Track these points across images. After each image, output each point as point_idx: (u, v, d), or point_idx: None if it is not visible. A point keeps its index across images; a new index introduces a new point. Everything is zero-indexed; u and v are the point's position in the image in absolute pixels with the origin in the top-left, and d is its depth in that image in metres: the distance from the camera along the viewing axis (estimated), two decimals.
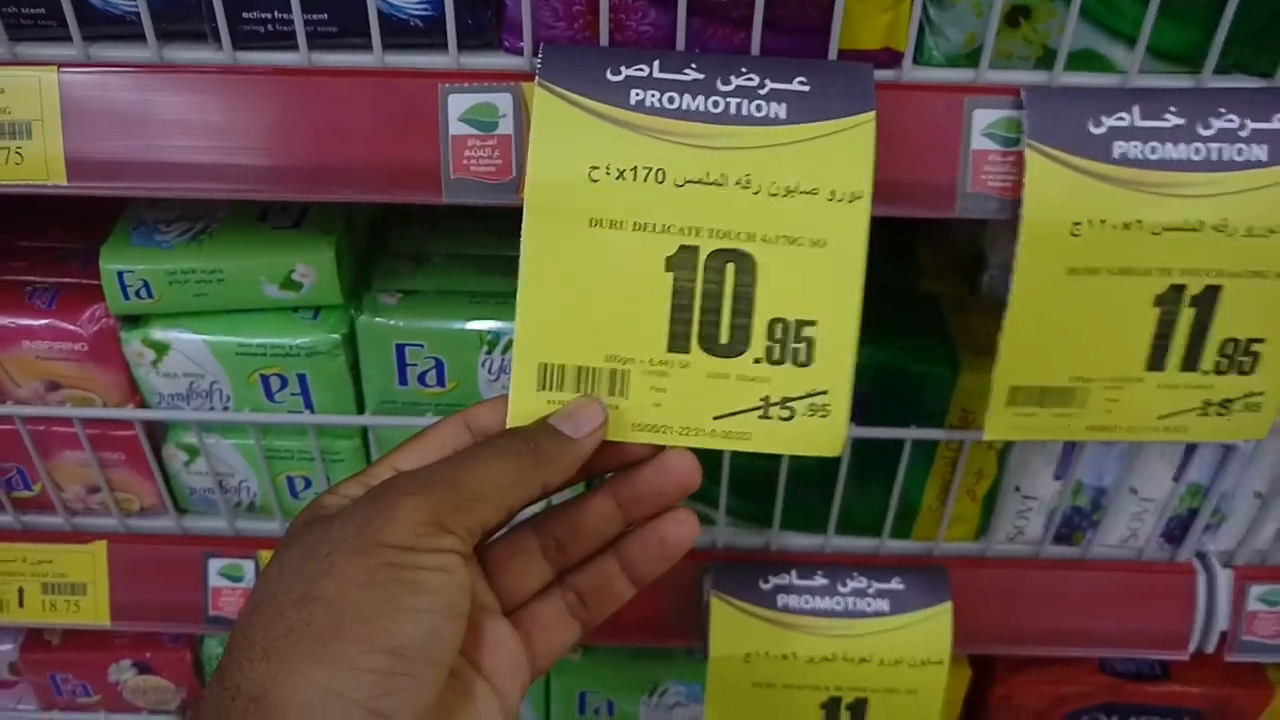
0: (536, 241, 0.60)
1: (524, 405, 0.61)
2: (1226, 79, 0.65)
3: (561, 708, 1.01)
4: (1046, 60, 0.64)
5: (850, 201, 0.60)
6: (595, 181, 0.60)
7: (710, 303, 0.62)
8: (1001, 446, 0.83)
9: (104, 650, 1.03)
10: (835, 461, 0.82)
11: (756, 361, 0.62)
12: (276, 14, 0.63)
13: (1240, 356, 0.66)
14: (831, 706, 0.87)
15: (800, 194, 0.60)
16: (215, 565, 0.88)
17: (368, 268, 0.83)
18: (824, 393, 0.62)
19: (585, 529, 0.59)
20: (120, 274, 0.75)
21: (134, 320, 0.78)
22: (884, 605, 0.85)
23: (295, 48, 0.64)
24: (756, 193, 0.60)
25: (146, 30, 0.63)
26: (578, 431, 0.56)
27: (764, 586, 0.86)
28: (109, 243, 0.76)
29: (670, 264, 0.62)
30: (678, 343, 0.62)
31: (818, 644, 0.83)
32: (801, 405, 0.62)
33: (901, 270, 0.88)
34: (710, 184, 0.60)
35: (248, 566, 0.88)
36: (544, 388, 0.62)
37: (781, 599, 0.85)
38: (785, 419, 0.62)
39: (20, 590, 0.88)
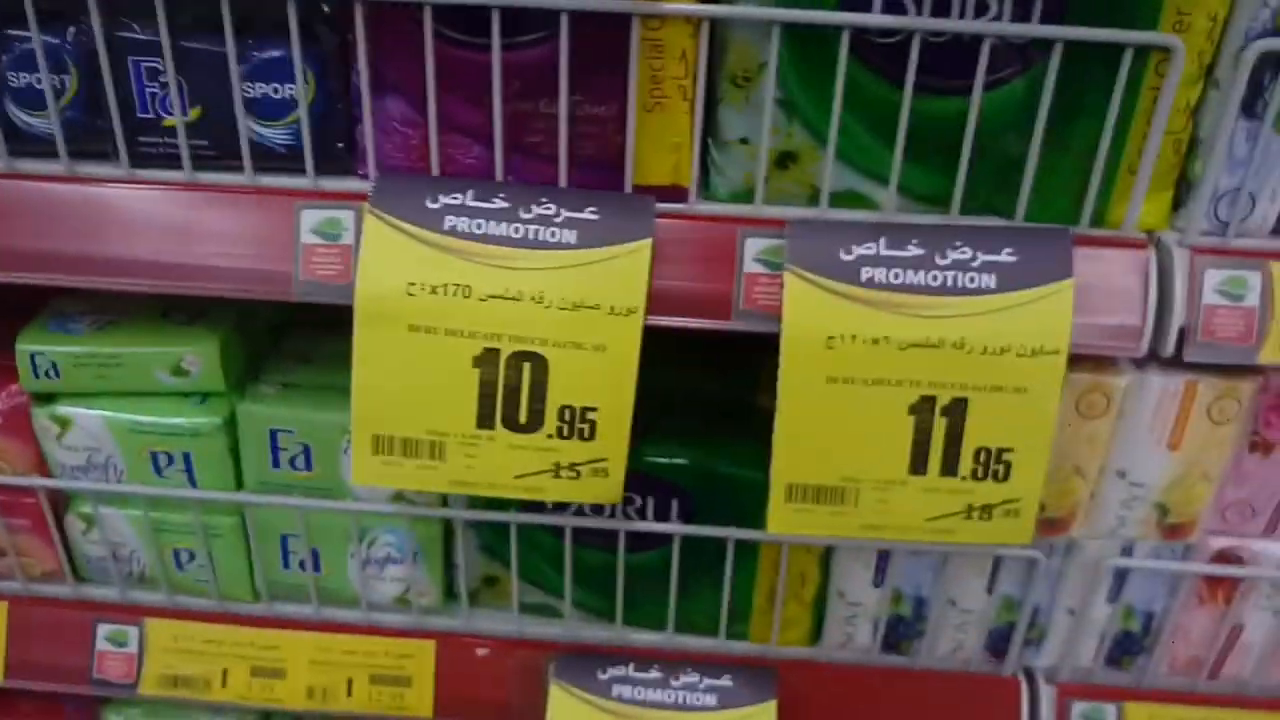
0: (365, 341, 0.72)
1: (363, 467, 0.72)
2: (977, 218, 0.75)
3: None
4: (815, 198, 0.75)
5: (627, 315, 0.71)
6: (412, 295, 0.71)
7: (510, 393, 0.72)
8: (821, 552, 0.91)
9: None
10: (668, 563, 0.89)
11: (549, 436, 0.72)
12: (166, 139, 0.76)
13: (994, 465, 0.74)
14: None
15: (585, 308, 0.71)
16: (103, 630, 0.96)
17: (260, 363, 0.94)
18: (604, 460, 0.72)
19: None
20: (33, 355, 0.86)
21: (44, 398, 0.89)
22: (711, 700, 0.91)
23: (182, 167, 0.76)
24: (548, 307, 0.71)
25: (60, 149, 0.76)
26: None
27: (601, 677, 0.92)
28: (27, 328, 0.87)
29: (476, 362, 0.73)
30: (484, 421, 0.73)
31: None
32: (586, 469, 0.72)
33: (741, 386, 0.97)
34: (509, 299, 0.71)
35: (133, 633, 0.96)
36: (377, 453, 0.73)
37: (616, 689, 0.92)
38: (573, 479, 0.72)
39: None
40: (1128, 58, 0.67)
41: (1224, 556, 0.87)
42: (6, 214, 0.77)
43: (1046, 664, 0.95)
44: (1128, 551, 0.88)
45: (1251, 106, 0.71)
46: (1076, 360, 0.78)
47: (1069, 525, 0.86)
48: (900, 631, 0.94)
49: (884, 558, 0.90)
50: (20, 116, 0.76)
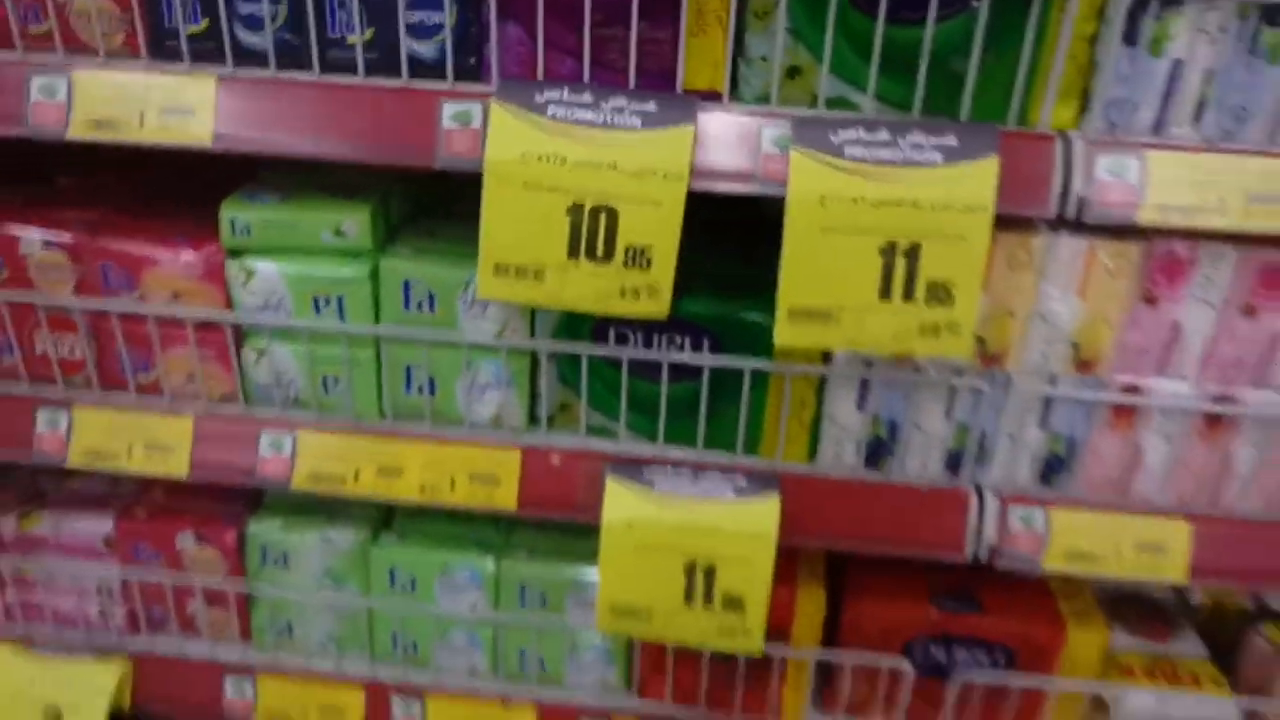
0: (491, 194, 1.02)
1: (487, 284, 1.02)
2: (933, 117, 1.04)
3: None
4: (815, 101, 1.05)
5: (676, 179, 1.01)
6: (524, 162, 1.02)
7: (591, 234, 1.02)
8: (817, 381, 1.20)
9: (174, 523, 1.41)
10: (699, 394, 1.19)
11: (619, 267, 1.02)
12: (347, 53, 1.06)
13: (940, 293, 1.03)
14: (690, 569, 1.21)
15: (646, 173, 1.01)
16: (266, 438, 1.27)
17: (400, 233, 1.25)
18: (657, 285, 1.02)
19: None
20: (233, 219, 1.17)
21: (236, 253, 1.20)
22: (730, 494, 1.20)
23: (357, 72, 1.07)
24: (620, 172, 1.01)
25: (270, 59, 1.07)
26: None
27: (646, 476, 1.22)
28: (230, 198, 1.19)
29: (568, 211, 1.02)
30: (573, 253, 1.03)
31: (680, 513, 1.18)
32: (644, 291, 1.02)
33: (758, 264, 1.26)
34: (592, 165, 1.01)
35: (288, 441, 1.27)
36: (497, 275, 1.03)
37: (659, 481, 1.21)
38: (634, 299, 1.02)
39: (129, 447, 1.28)
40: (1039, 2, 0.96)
41: (1127, 389, 1.15)
42: (235, 108, 1.08)
43: (992, 480, 1.23)
44: (1054, 383, 1.16)
45: (1131, 36, 0.99)
46: (1006, 223, 1.07)
47: (1004, 359, 1.14)
48: (878, 451, 1.23)
49: (865, 386, 1.19)
50: (244, 36, 1.07)
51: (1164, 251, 1.07)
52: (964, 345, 1.05)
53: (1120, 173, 1.01)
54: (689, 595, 1.21)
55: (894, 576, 1.41)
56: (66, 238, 1.23)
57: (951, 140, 1.00)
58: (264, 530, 1.41)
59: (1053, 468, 1.21)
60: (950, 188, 0.99)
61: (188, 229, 1.21)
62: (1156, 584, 1.55)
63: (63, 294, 1.24)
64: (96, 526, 1.45)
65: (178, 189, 1.36)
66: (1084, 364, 1.14)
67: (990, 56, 1.00)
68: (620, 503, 1.19)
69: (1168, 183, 1.01)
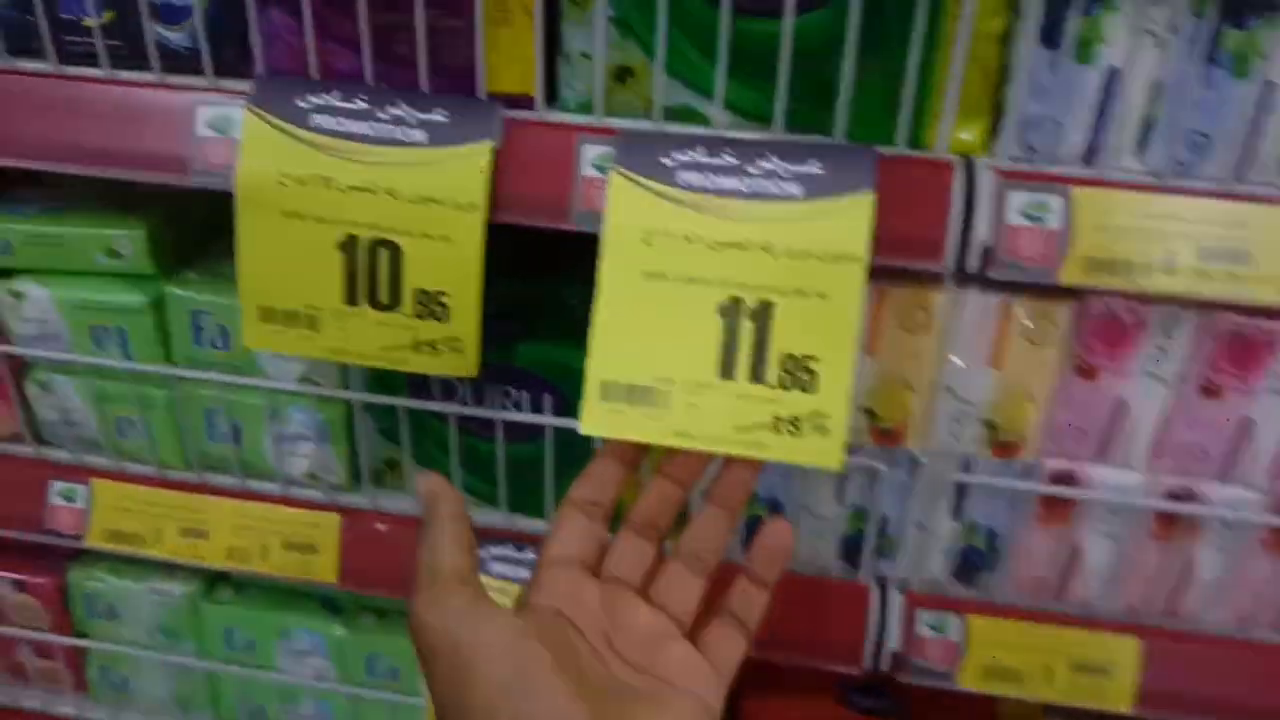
0: (245, 225, 0.82)
1: (253, 333, 0.84)
2: (799, 134, 0.81)
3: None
4: (652, 112, 0.82)
5: (469, 209, 0.80)
6: (283, 185, 0.81)
7: (371, 275, 0.82)
8: None
9: None
10: (544, 454, 0.98)
11: (408, 316, 0.82)
12: (87, 39, 0.87)
13: (800, 372, 0.80)
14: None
15: (432, 202, 0.80)
16: (57, 488, 1.09)
17: (194, 256, 1.05)
18: (458, 339, 0.81)
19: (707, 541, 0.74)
20: None
21: (3, 274, 1.02)
22: None
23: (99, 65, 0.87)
24: (399, 199, 0.81)
25: None
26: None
27: (487, 555, 1.02)
28: None
29: (340, 246, 0.81)
30: (351, 299, 0.83)
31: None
32: (442, 345, 0.82)
33: None
34: (365, 190, 0.81)
35: (81, 491, 1.09)
36: (264, 321, 0.83)
37: (495, 566, 1.01)
38: (431, 354, 0.81)
39: None
40: None
41: (1059, 478, 0.92)
42: None
43: (898, 574, 1.01)
44: (968, 468, 0.93)
45: (1051, 36, 0.75)
46: (898, 276, 0.84)
47: (903, 437, 0.92)
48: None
49: None
50: None
51: (1102, 313, 0.84)
52: (833, 450, 0.79)
53: (1039, 215, 0.77)
54: None
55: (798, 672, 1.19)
56: None
57: (815, 168, 0.77)
58: (85, 578, 1.24)
59: (972, 564, 0.99)
60: (810, 229, 0.77)
61: None
62: None
63: None
64: None
65: None
66: (1004, 446, 0.91)
67: (870, 58, 0.77)
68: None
69: (1101, 230, 0.77)
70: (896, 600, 0.99)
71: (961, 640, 0.99)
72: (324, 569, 1.07)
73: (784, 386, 0.79)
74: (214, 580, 1.25)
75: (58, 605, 1.26)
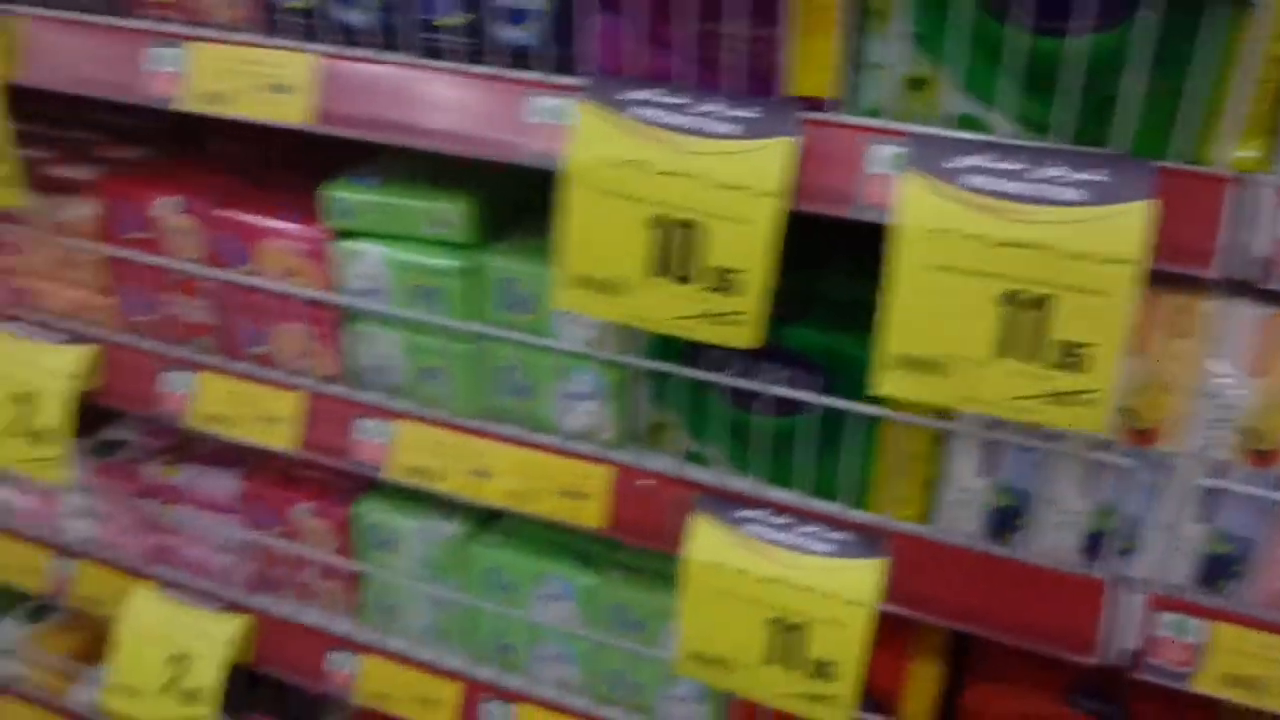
0: (570, 200, 0.96)
1: (564, 297, 0.99)
2: (1079, 146, 0.89)
3: None
4: (938, 118, 0.92)
5: (768, 196, 0.91)
6: (605, 167, 0.95)
7: (675, 251, 0.95)
8: (934, 436, 1.07)
9: (293, 494, 1.46)
10: (803, 431, 1.09)
11: (703, 289, 0.94)
12: (440, 35, 1.03)
13: (1071, 358, 0.89)
14: (776, 626, 1.12)
15: (736, 188, 0.92)
16: (364, 425, 1.28)
17: (510, 228, 1.21)
18: (744, 313, 0.93)
19: None
20: (337, 199, 1.18)
21: (343, 234, 1.21)
22: (828, 549, 1.10)
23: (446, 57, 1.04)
24: (706, 185, 0.93)
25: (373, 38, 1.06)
26: None
27: (737, 515, 1.14)
28: (335, 180, 1.19)
29: (648, 224, 0.95)
30: (654, 271, 0.96)
31: (769, 564, 1.09)
32: (730, 317, 0.94)
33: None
34: (677, 175, 0.93)
35: (385, 428, 1.27)
36: (574, 288, 0.98)
37: (748, 526, 1.13)
38: (718, 324, 0.94)
39: (243, 415, 1.32)
40: (1216, 11, 0.79)
41: None
42: (338, 89, 1.08)
43: (1139, 574, 1.06)
44: (1222, 474, 0.98)
45: None
46: (1167, 281, 0.90)
47: (1157, 437, 0.97)
48: (1004, 521, 1.09)
49: (991, 449, 1.05)
50: (344, 16, 1.07)
51: None
52: (1098, 419, 0.90)
53: None
54: (772, 653, 1.13)
55: (1027, 658, 1.25)
56: (195, 205, 1.28)
57: (1098, 175, 0.85)
58: (370, 511, 1.43)
59: (1217, 570, 1.03)
60: (1090, 233, 0.84)
61: (304, 206, 1.23)
62: None
63: (189, 260, 1.29)
64: (226, 485, 1.53)
65: (308, 163, 1.39)
66: (1261, 455, 0.95)
67: (1156, 78, 0.84)
68: (706, 542, 1.12)
69: None
70: (1136, 599, 1.04)
71: (1201, 644, 1.03)
72: (591, 515, 1.21)
73: (1056, 367, 0.87)
74: (482, 524, 1.42)
75: (345, 534, 1.46)
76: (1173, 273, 0.88)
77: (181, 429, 1.65)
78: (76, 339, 1.42)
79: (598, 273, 0.99)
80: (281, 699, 1.73)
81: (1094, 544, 1.06)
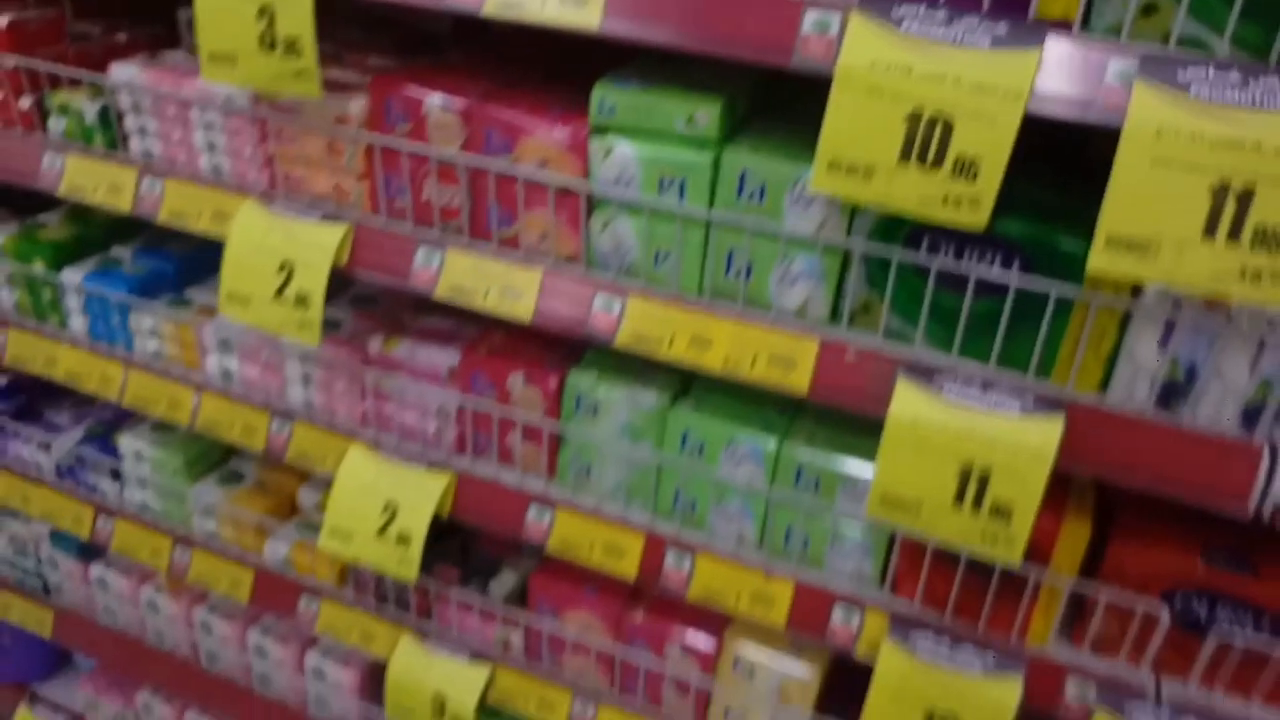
0: (837, 98, 1.13)
1: (820, 179, 1.15)
2: None
3: None
4: (1167, 40, 1.09)
5: (1014, 98, 1.08)
6: (871, 70, 1.12)
7: (925, 142, 1.12)
8: (1121, 315, 1.24)
9: (509, 363, 1.65)
10: (1000, 312, 1.27)
11: (946, 175, 1.11)
12: None
13: (1271, 239, 1.06)
14: (966, 473, 1.30)
15: (987, 89, 1.09)
16: (600, 300, 1.46)
17: (747, 126, 1.39)
18: (979, 199, 1.10)
19: None
20: (602, 98, 1.36)
21: (600, 130, 1.39)
22: (1015, 409, 1.28)
23: None
24: (961, 85, 1.10)
25: None
26: None
27: (937, 382, 1.32)
28: (601, 80, 1.37)
29: (905, 120, 1.12)
30: (903, 158, 1.13)
31: (964, 419, 1.26)
32: (966, 201, 1.11)
33: (1081, 200, 1.31)
34: (937, 77, 1.10)
35: (617, 304, 1.45)
36: (830, 170, 1.15)
37: (947, 388, 1.31)
38: (955, 207, 1.11)
39: (487, 289, 1.51)
40: None
41: None
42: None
43: None
44: None
45: None
46: None
47: None
48: (1173, 393, 1.26)
49: (1170, 327, 1.23)
50: None
51: None
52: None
53: None
54: (960, 497, 1.31)
55: (1165, 525, 1.44)
56: (460, 103, 1.46)
57: None
58: (582, 381, 1.62)
59: None
60: None
61: (562, 105, 1.41)
62: None
63: (451, 150, 1.47)
64: (444, 358, 1.72)
65: (558, 68, 1.57)
66: None
67: None
68: (908, 400, 1.30)
69: None
70: None
71: None
72: (798, 380, 1.39)
73: (1255, 248, 1.04)
74: (679, 394, 1.61)
75: (554, 400, 1.65)
76: None
77: (402, 310, 1.84)
78: (332, 218, 1.60)
79: (853, 158, 1.17)
80: (465, 552, 1.93)
81: (1253, 415, 1.23)
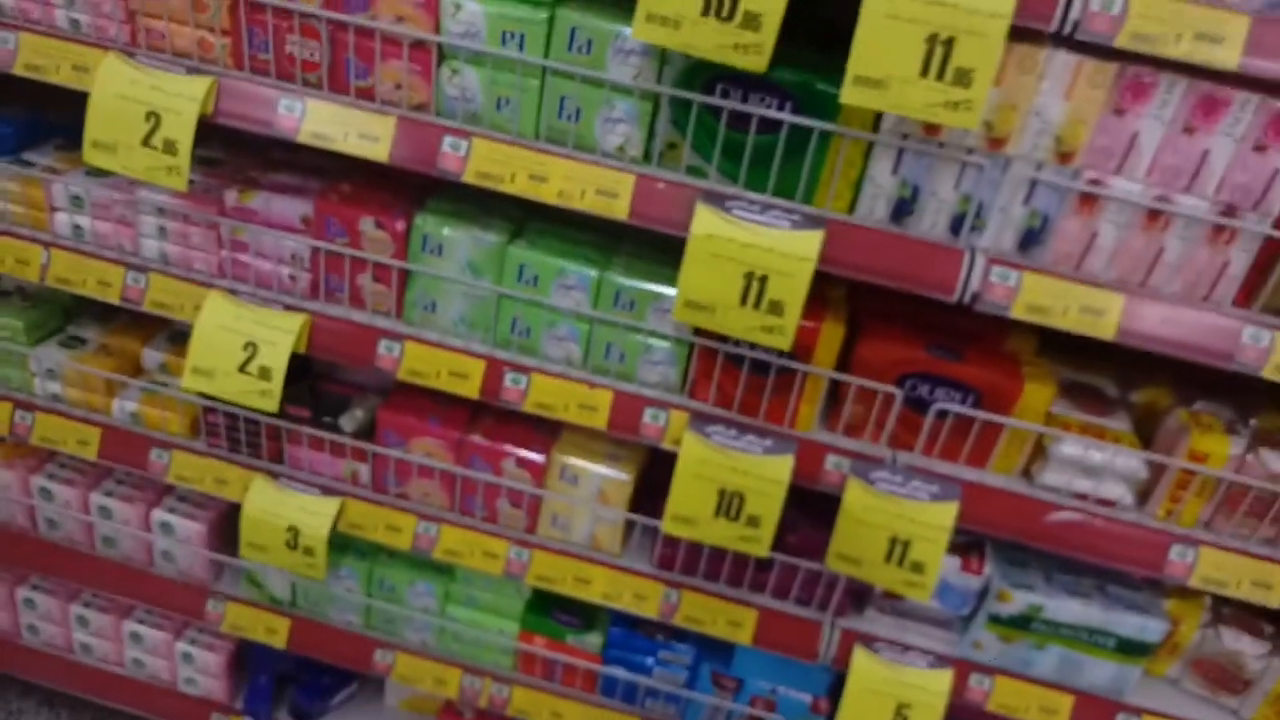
0: None
1: (639, 29, 1.43)
2: None
3: None
4: None
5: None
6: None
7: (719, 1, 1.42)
8: (865, 147, 1.60)
9: (359, 209, 1.86)
10: (776, 145, 1.60)
11: (737, 27, 1.42)
12: None
13: (964, 77, 1.42)
14: (749, 278, 1.63)
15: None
16: (448, 140, 1.70)
17: None
18: (762, 44, 1.42)
19: None
20: None
21: None
22: (787, 225, 1.62)
23: None
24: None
25: None
26: None
27: (726, 204, 1.64)
28: None
29: None
30: (704, 13, 1.42)
31: (747, 234, 1.59)
32: (752, 48, 1.42)
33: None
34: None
35: (464, 145, 1.69)
36: (647, 22, 1.43)
37: (734, 209, 1.63)
38: (745, 53, 1.42)
39: (345, 133, 1.71)
40: None
41: (1092, 181, 1.55)
42: None
43: (983, 244, 1.64)
44: (1039, 169, 1.55)
45: None
46: (1020, 35, 1.45)
47: (1005, 144, 1.54)
48: (901, 210, 1.64)
49: (900, 155, 1.59)
50: None
51: (1133, 74, 1.46)
52: (975, 119, 1.43)
53: (1108, 6, 1.39)
54: (744, 298, 1.64)
55: (898, 327, 1.83)
56: None
57: None
58: (427, 222, 1.85)
59: (1029, 240, 1.61)
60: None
61: None
62: (1102, 380, 1.96)
63: (314, 5, 1.66)
64: (298, 207, 1.90)
65: None
66: (1064, 155, 1.53)
67: None
68: (705, 220, 1.61)
69: (1141, 16, 1.39)
70: (980, 260, 1.62)
71: (1016, 287, 1.61)
72: (619, 209, 1.68)
73: (953, 84, 1.40)
74: (514, 234, 1.87)
75: (402, 242, 1.87)
76: (1022, 28, 1.43)
77: (251, 166, 2.00)
78: (196, 71, 1.75)
79: (665, 13, 1.46)
80: (315, 395, 2.12)
81: (957, 224, 1.62)
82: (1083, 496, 1.77)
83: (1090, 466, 1.76)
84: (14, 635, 2.57)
